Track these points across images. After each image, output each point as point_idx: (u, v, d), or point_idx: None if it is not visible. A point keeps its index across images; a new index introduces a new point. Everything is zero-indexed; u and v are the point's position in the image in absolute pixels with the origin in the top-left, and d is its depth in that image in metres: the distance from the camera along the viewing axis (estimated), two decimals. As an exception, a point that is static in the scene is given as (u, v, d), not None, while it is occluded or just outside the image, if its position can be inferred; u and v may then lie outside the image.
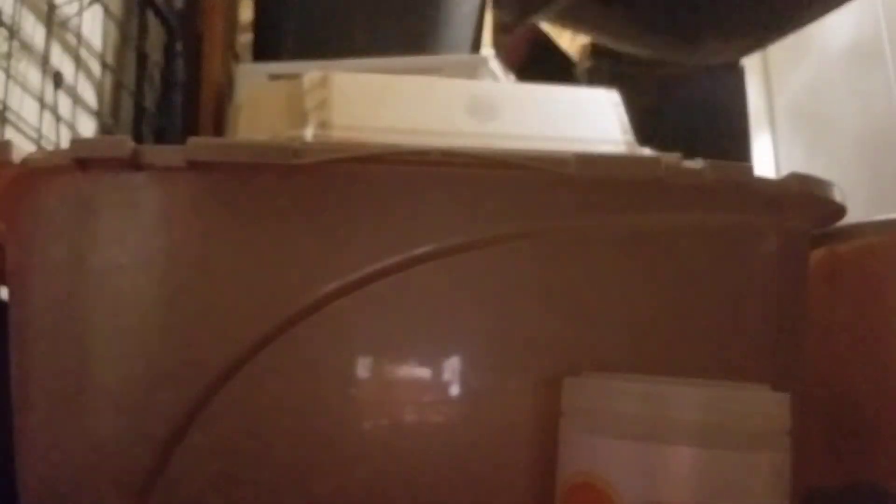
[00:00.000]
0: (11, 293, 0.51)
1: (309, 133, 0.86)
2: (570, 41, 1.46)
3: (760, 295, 0.51)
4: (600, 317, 0.48)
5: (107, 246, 0.48)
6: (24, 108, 0.79)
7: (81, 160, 0.46)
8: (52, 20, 0.84)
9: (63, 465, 0.46)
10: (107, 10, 0.96)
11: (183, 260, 0.47)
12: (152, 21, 1.06)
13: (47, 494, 0.47)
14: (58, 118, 0.85)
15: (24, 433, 0.49)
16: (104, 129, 0.97)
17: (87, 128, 0.94)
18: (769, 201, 0.50)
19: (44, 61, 0.83)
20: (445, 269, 0.46)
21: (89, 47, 0.93)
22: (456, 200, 0.46)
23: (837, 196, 0.51)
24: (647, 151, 0.92)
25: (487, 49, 1.28)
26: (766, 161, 1.55)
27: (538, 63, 1.29)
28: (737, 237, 0.50)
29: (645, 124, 1.03)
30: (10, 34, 0.76)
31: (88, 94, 0.94)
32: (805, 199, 0.51)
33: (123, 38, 1.02)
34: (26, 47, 0.80)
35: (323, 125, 0.86)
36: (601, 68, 1.18)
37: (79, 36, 0.90)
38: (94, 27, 0.95)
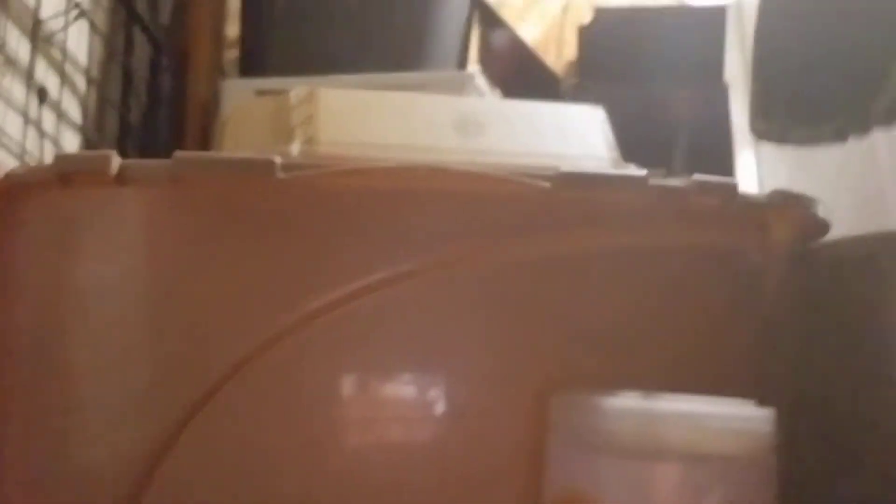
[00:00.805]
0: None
1: (295, 148, 0.85)
2: (556, 58, 1.47)
3: (745, 310, 0.51)
4: (585, 333, 0.48)
5: (89, 262, 0.47)
6: (8, 123, 0.79)
7: (65, 175, 0.46)
8: (37, 35, 0.84)
9: (43, 484, 0.46)
10: (92, 26, 0.96)
11: (167, 277, 0.46)
12: (138, 36, 1.06)
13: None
14: (42, 133, 0.85)
15: (3, 451, 0.48)
16: (88, 145, 0.97)
17: (72, 143, 0.93)
18: (753, 217, 0.51)
19: (28, 76, 0.82)
20: (430, 286, 0.46)
21: (75, 62, 0.93)
22: (441, 217, 0.46)
23: (821, 212, 0.52)
24: (632, 167, 0.92)
25: (473, 65, 1.28)
26: (749, 177, 1.55)
27: (524, 80, 1.30)
28: (721, 253, 0.50)
29: (630, 140, 1.03)
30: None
31: (73, 110, 0.94)
32: (789, 215, 0.51)
33: (109, 54, 1.01)
34: (10, 62, 0.80)
35: (309, 141, 0.86)
36: (586, 85, 1.19)
37: (64, 51, 0.89)
38: (79, 42, 0.95)
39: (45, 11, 0.86)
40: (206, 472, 0.45)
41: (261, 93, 1.09)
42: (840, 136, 0.71)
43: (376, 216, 0.46)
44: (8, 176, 0.46)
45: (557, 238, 0.47)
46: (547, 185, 0.46)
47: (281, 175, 0.45)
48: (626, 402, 0.40)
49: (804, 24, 0.79)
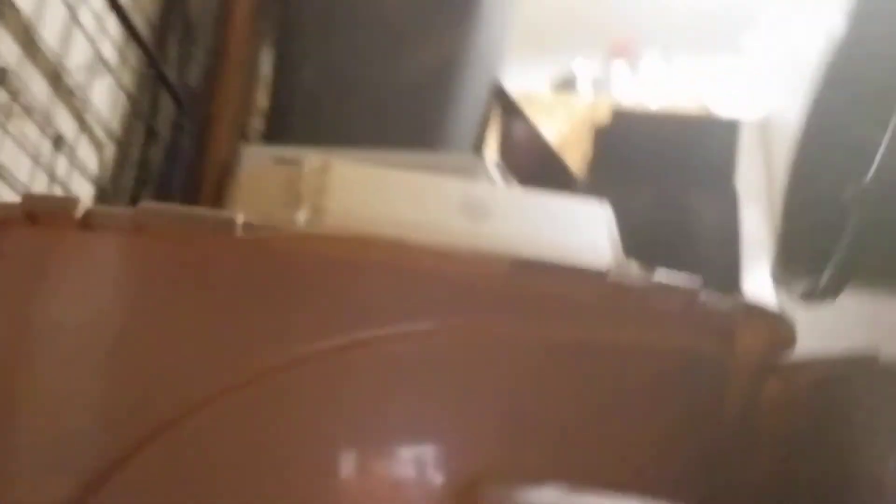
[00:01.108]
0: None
1: (302, 216, 0.87)
2: (581, 155, 1.48)
3: (704, 415, 0.50)
4: (531, 423, 0.47)
5: (49, 301, 0.48)
6: (23, 168, 0.81)
7: (32, 214, 0.47)
8: (59, 85, 0.87)
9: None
10: (118, 82, 1.00)
11: (118, 323, 0.47)
12: (164, 96, 1.10)
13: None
14: (53, 180, 0.87)
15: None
16: (102, 196, 0.99)
17: (86, 194, 0.96)
18: (716, 324, 0.50)
19: (44, 124, 0.85)
20: (373, 359, 0.45)
21: (98, 116, 0.96)
22: (391, 290, 0.46)
23: (787, 327, 0.51)
24: (633, 265, 0.92)
25: (490, 152, 1.30)
26: (766, 286, 1.53)
27: (540, 172, 1.31)
28: (681, 356, 0.49)
29: (638, 238, 1.03)
30: (12, 96, 0.79)
31: (92, 161, 0.97)
32: (754, 325, 0.51)
33: (134, 111, 1.05)
34: (29, 110, 0.83)
35: (317, 210, 0.87)
36: (600, 182, 1.20)
37: (84, 103, 0.93)
38: (104, 96, 0.98)
39: (73, 63, 0.89)
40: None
41: (279, 159, 1.11)
42: (805, 297, 0.70)
43: (328, 283, 0.47)
44: (-22, 210, 0.48)
45: (510, 323, 0.47)
46: (502, 268, 0.46)
47: (240, 234, 0.45)
48: (550, 499, 0.39)
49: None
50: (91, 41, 0.91)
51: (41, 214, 0.46)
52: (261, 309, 0.46)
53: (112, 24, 0.95)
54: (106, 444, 0.45)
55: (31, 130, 0.83)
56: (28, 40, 0.81)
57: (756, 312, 0.50)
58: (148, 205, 0.46)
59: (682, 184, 1.15)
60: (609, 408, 0.47)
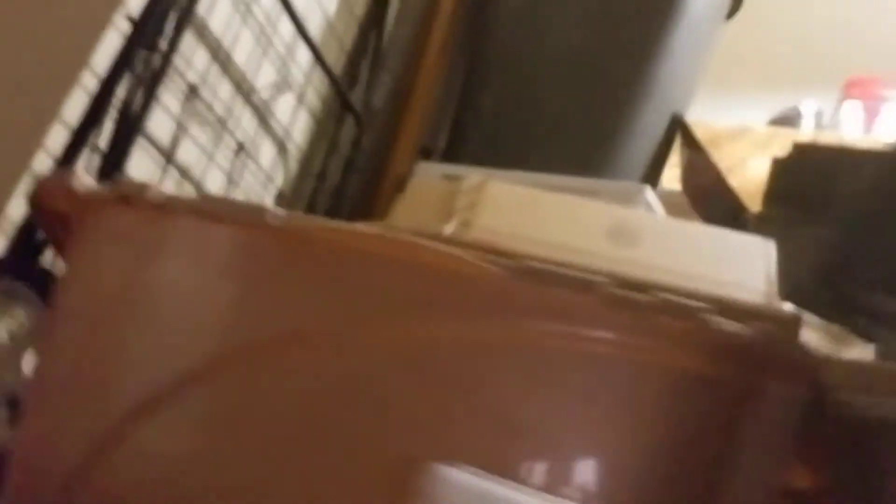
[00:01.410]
0: (55, 302, 0.60)
1: (448, 228, 0.92)
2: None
3: (708, 445, 0.47)
4: (518, 429, 0.47)
5: (135, 267, 0.56)
6: (209, 174, 0.94)
7: (124, 196, 0.56)
8: (248, 101, 1.00)
9: (45, 431, 0.55)
10: (303, 101, 1.11)
11: (183, 286, 0.54)
12: (347, 116, 1.20)
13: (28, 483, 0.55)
14: (231, 182, 1.00)
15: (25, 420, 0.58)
16: (282, 202, 1.11)
17: (267, 198, 1.08)
18: (733, 350, 0.47)
19: (231, 134, 0.98)
20: (377, 348, 0.48)
21: (285, 131, 1.09)
22: (397, 283, 0.49)
23: (808, 360, 0.47)
24: (787, 306, 0.87)
25: (668, 184, 1.28)
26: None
27: (717, 208, 1.26)
28: (682, 378, 0.47)
29: (809, 280, 0.97)
30: (202, 108, 0.92)
31: (276, 171, 1.09)
32: (779, 355, 0.47)
33: (318, 127, 1.17)
34: (218, 121, 0.96)
35: (465, 224, 0.92)
36: (775, 219, 1.13)
37: (267, 116, 1.05)
38: (292, 113, 1.10)
39: (263, 81, 1.02)
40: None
41: (446, 176, 1.18)
42: None
43: (343, 271, 0.51)
44: (86, 190, 0.57)
45: (507, 326, 0.48)
46: (501, 271, 0.47)
47: (271, 222, 0.51)
48: (472, 480, 0.39)
49: None
50: (280, 64, 1.03)
51: (131, 197, 0.55)
52: (280, 287, 0.51)
53: (302, 49, 1.07)
54: (119, 399, 0.52)
55: (219, 139, 0.96)
56: (222, 59, 0.94)
57: (769, 341, 0.46)
58: (207, 195, 0.53)
59: (865, 227, 1.05)
60: (597, 420, 0.47)
